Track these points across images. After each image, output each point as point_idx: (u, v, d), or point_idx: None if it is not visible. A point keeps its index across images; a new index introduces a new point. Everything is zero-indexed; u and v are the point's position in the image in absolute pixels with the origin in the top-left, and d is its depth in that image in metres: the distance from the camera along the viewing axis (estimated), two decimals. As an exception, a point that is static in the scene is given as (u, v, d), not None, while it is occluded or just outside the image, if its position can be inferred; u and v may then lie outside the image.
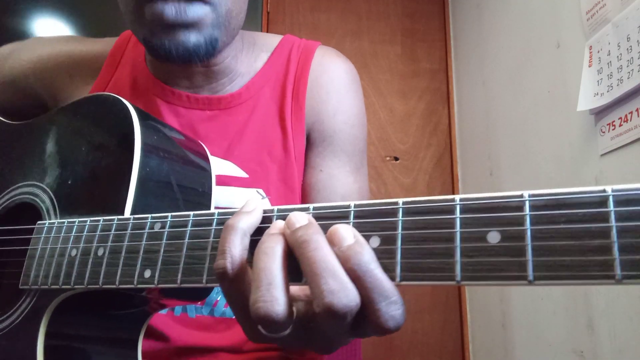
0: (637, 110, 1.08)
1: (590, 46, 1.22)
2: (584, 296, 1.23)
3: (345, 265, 0.28)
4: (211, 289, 0.49)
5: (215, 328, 0.62)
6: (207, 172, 0.53)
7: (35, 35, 1.78)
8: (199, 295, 0.49)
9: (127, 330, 0.48)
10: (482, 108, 1.84)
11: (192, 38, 0.53)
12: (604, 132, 1.17)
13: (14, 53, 0.73)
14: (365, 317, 0.29)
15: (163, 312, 0.60)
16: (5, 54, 0.73)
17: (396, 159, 1.99)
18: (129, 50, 0.70)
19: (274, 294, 0.29)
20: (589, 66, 1.22)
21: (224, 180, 0.61)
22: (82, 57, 0.70)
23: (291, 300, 0.30)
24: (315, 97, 0.66)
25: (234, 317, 0.62)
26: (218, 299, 0.62)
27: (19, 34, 1.75)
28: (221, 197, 0.60)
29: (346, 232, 0.29)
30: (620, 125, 1.12)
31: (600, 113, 1.19)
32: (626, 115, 1.10)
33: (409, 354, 1.82)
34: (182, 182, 0.49)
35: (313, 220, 0.31)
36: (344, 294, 0.27)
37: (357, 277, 0.28)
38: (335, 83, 0.67)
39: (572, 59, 1.32)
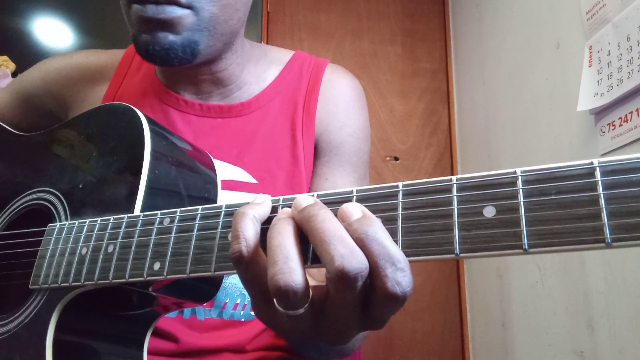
0: (637, 110, 1.08)
1: (590, 46, 1.22)
2: (584, 296, 1.23)
3: (353, 236, 0.30)
4: (216, 290, 0.49)
5: (221, 329, 0.62)
6: (213, 179, 0.54)
7: (36, 35, 1.78)
8: (206, 294, 0.49)
9: (134, 330, 0.48)
10: (482, 108, 1.84)
11: (169, 37, 0.55)
12: (604, 132, 1.18)
13: (25, 72, 0.76)
14: (374, 286, 0.29)
15: (172, 315, 0.60)
16: (17, 76, 0.76)
17: (396, 159, 1.99)
18: (137, 61, 0.72)
19: (291, 266, 0.30)
20: (589, 66, 1.22)
21: (234, 186, 0.63)
22: (89, 67, 0.73)
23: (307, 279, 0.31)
24: (323, 110, 0.69)
25: (242, 319, 0.63)
26: (227, 301, 0.63)
27: (19, 34, 1.75)
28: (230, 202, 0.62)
29: (354, 208, 0.31)
30: (620, 125, 1.12)
31: (600, 113, 1.19)
32: (626, 115, 1.10)
33: (409, 354, 1.82)
34: (189, 187, 0.50)
35: (318, 200, 0.33)
36: (353, 256, 0.29)
37: (364, 245, 0.29)
38: (343, 98, 0.70)
39: (572, 59, 1.32)
